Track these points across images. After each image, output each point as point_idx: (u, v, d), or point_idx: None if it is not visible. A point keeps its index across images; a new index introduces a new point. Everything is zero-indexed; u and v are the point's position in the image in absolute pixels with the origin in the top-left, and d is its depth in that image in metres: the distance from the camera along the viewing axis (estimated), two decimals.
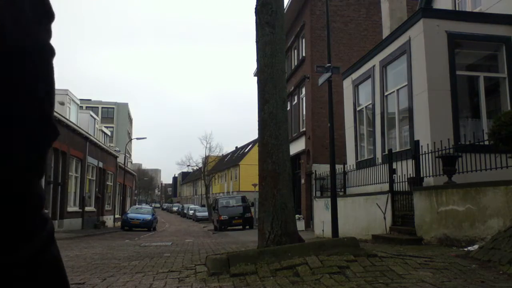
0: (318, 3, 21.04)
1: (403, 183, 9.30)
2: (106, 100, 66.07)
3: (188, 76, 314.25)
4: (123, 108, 67.67)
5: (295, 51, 24.74)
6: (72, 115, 24.73)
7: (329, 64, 11.31)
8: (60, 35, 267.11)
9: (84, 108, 38.44)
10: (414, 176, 8.81)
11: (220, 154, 61.57)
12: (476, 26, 9.74)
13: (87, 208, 25.56)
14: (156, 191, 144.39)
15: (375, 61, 12.02)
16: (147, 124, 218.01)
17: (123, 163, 37.44)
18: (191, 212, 52.29)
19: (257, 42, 6.80)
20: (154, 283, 5.09)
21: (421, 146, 8.64)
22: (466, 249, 6.34)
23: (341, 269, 4.79)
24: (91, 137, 25.90)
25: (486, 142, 7.47)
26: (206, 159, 51.32)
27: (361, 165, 12.65)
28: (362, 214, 10.77)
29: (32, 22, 0.63)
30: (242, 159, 54.87)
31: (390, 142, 11.34)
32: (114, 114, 65.43)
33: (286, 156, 6.52)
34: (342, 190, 13.11)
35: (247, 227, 25.55)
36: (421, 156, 8.63)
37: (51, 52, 0.68)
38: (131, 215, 27.22)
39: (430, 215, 7.82)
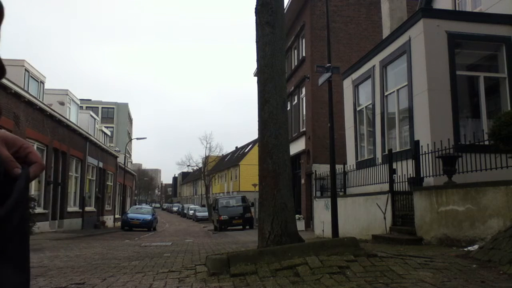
0: (318, 3, 21.03)
1: (403, 183, 9.30)
2: (106, 100, 66.04)
3: (188, 76, 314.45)
4: (123, 108, 67.60)
5: (295, 51, 24.74)
6: (72, 115, 24.73)
7: (329, 64, 11.31)
8: (60, 35, 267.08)
9: (84, 108, 38.42)
10: (414, 176, 8.81)
11: (220, 154, 61.59)
12: (476, 26, 9.74)
13: (87, 208, 25.55)
14: (156, 191, 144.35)
15: (375, 61, 12.02)
16: (147, 124, 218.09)
17: (123, 163, 37.44)
18: (191, 212, 52.28)
19: (257, 42, 6.79)
20: (154, 283, 5.09)
21: (421, 146, 8.64)
22: (466, 249, 6.34)
23: (341, 269, 4.79)
24: (91, 137, 25.89)
25: (486, 142, 7.47)
26: (206, 159, 51.34)
27: (361, 165, 12.64)
28: (362, 214, 10.77)
29: None
30: (242, 159, 54.85)
31: (390, 142, 11.34)
32: (114, 114, 65.34)
33: (286, 156, 6.51)
34: (342, 190, 13.10)
35: (247, 227, 25.55)
36: (421, 156, 8.63)
37: None
38: (131, 215, 27.20)
39: (430, 215, 7.82)
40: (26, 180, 0.70)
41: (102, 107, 63.77)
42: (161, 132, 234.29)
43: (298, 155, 22.26)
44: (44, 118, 18.12)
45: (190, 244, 13.20)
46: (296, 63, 24.09)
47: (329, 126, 11.24)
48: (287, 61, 24.72)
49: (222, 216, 25.24)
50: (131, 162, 65.74)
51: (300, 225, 16.71)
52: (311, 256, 5.07)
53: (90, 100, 60.12)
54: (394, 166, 9.72)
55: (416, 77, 9.81)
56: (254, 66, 24.55)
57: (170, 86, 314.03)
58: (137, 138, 43.42)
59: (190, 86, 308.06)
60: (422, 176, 8.61)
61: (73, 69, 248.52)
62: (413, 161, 8.83)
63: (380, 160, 11.00)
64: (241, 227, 25.45)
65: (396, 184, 9.55)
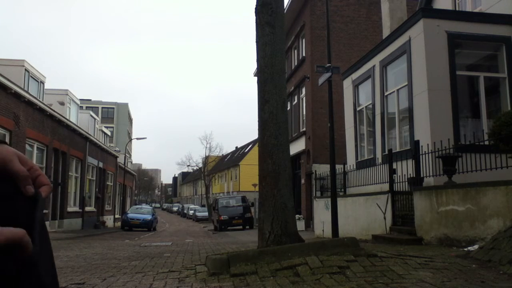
0: (318, 3, 21.03)
1: (403, 183, 9.30)
2: (106, 100, 66.08)
3: (188, 76, 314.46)
4: (123, 108, 67.59)
5: (295, 51, 24.73)
6: (72, 115, 24.72)
7: (329, 64, 11.31)
8: (61, 35, 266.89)
9: (84, 108, 38.40)
10: (414, 176, 8.81)
11: (220, 154, 61.56)
12: (476, 26, 9.74)
13: (87, 208, 25.54)
14: (156, 191, 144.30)
15: (375, 61, 12.02)
16: (147, 124, 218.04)
17: (123, 163, 37.41)
18: (191, 212, 52.27)
19: (257, 42, 6.80)
20: (154, 283, 5.09)
21: (421, 146, 8.63)
22: (466, 249, 6.34)
23: (341, 269, 4.79)
24: (91, 137, 25.88)
25: (486, 142, 7.47)
26: (206, 159, 51.31)
27: (361, 165, 12.64)
28: (362, 214, 10.77)
29: None
30: (242, 159, 54.83)
31: (390, 142, 11.34)
32: (114, 114, 65.33)
33: (286, 156, 6.51)
34: (342, 190, 13.11)
35: (247, 227, 25.54)
36: (421, 156, 8.63)
37: None
38: (131, 215, 27.19)
39: (430, 215, 7.82)
40: (41, 209, 0.68)
41: (102, 107, 63.78)
42: (161, 132, 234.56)
43: (298, 155, 22.25)
44: (44, 118, 18.12)
45: (190, 244, 13.20)
46: (296, 63, 24.09)
47: (329, 126, 11.24)
48: (287, 61, 24.73)
49: (222, 216, 25.24)
50: (131, 162, 65.73)
51: (300, 225, 16.71)
52: (311, 256, 5.07)
53: (90, 100, 60.12)
54: (394, 166, 9.72)
55: (416, 77, 9.81)
56: (254, 66, 24.59)
57: (170, 86, 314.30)
58: (137, 138, 43.38)
59: (190, 86, 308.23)
60: (422, 176, 8.61)
61: (73, 69, 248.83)
62: (413, 161, 8.83)
63: (380, 160, 11.00)
64: (241, 227, 25.44)
65: (396, 184, 9.55)
